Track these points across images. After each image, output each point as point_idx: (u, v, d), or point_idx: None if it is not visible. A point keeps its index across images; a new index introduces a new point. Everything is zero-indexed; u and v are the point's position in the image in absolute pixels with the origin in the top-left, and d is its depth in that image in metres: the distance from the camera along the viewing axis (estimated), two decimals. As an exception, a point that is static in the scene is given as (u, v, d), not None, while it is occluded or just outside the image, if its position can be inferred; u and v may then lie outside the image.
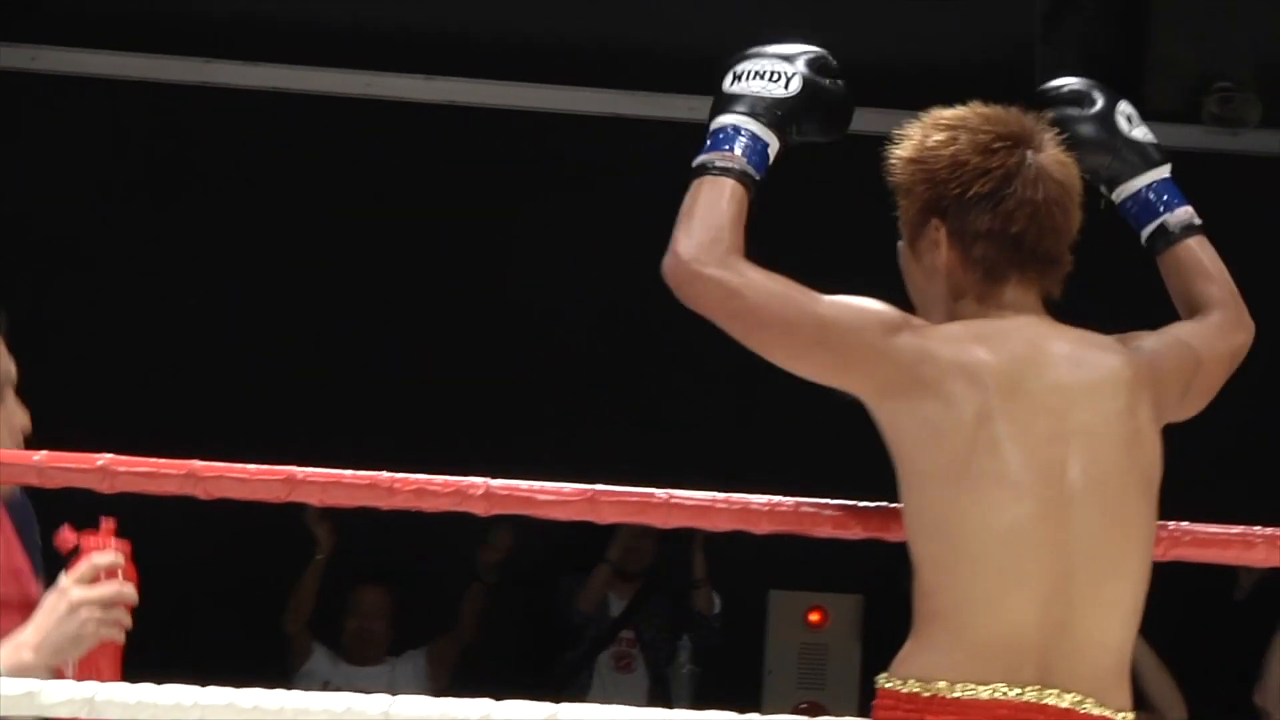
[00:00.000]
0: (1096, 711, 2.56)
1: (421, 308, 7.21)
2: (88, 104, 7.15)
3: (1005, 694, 2.52)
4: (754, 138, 2.58)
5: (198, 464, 2.77)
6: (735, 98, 2.61)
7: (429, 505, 2.87)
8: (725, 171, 2.55)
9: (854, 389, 2.58)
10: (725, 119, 2.59)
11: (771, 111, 2.58)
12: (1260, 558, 3.02)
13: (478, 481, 2.89)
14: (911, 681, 2.52)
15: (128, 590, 2.63)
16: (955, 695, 2.52)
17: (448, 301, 7.19)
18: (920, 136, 2.63)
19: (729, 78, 2.61)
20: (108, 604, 2.62)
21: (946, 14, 6.70)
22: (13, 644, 2.62)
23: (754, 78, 2.61)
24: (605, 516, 2.99)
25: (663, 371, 7.33)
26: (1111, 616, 2.61)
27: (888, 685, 2.57)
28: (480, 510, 2.89)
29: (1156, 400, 2.67)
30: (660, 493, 2.92)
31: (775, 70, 2.61)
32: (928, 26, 6.75)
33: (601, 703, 4.92)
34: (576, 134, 7.13)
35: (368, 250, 7.12)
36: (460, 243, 7.21)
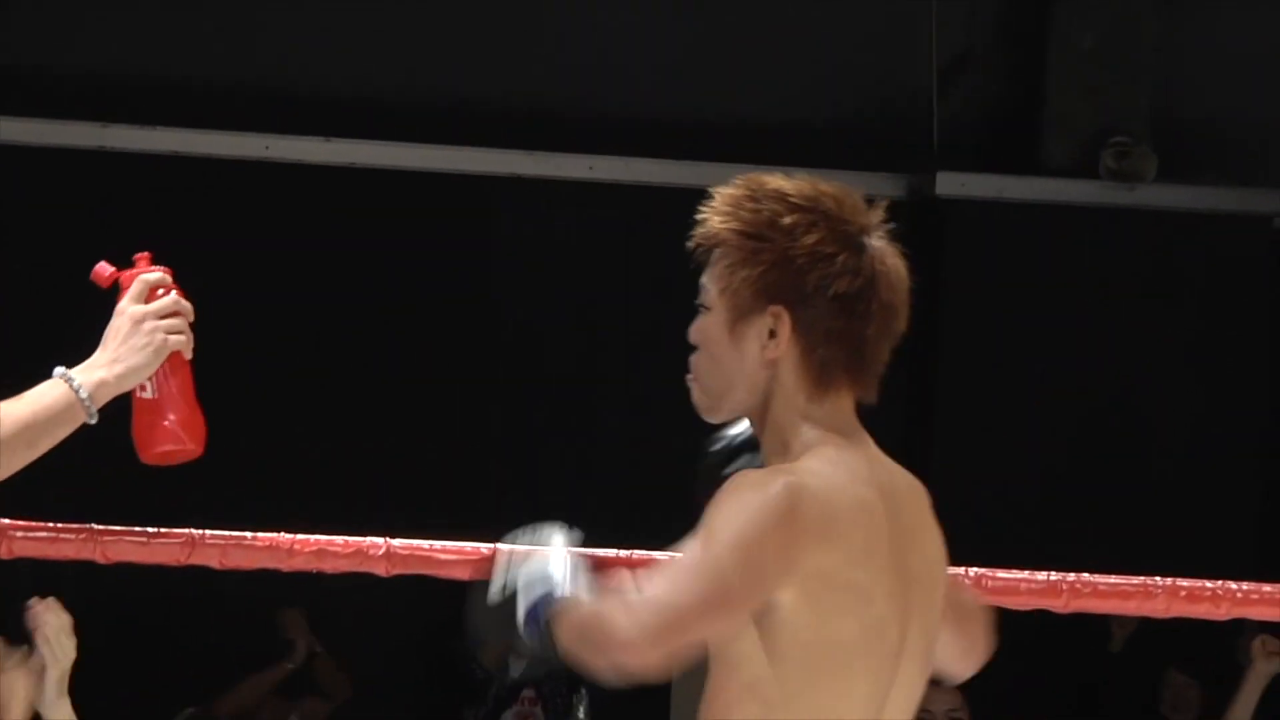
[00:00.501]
0: None
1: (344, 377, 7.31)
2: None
3: None
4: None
5: (97, 527, 2.76)
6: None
7: (329, 566, 2.88)
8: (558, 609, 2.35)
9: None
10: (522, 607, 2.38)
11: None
12: (1161, 608, 3.05)
13: (378, 541, 2.91)
14: None
15: (184, 302, 2.58)
16: None
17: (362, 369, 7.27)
18: (768, 212, 2.38)
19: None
20: (168, 313, 2.56)
21: (842, 69, 6.79)
22: (87, 366, 2.56)
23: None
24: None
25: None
26: None
27: None
28: (381, 570, 2.91)
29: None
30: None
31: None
32: (822, 82, 6.82)
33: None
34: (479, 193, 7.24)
35: (264, 314, 7.14)
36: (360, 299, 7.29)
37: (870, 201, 2.41)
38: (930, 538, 2.47)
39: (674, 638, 2.26)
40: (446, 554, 2.92)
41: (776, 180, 2.39)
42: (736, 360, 2.37)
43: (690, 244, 2.38)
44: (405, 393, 7.28)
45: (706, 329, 2.37)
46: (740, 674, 2.33)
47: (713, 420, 2.45)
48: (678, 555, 2.29)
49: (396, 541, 2.92)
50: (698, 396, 2.40)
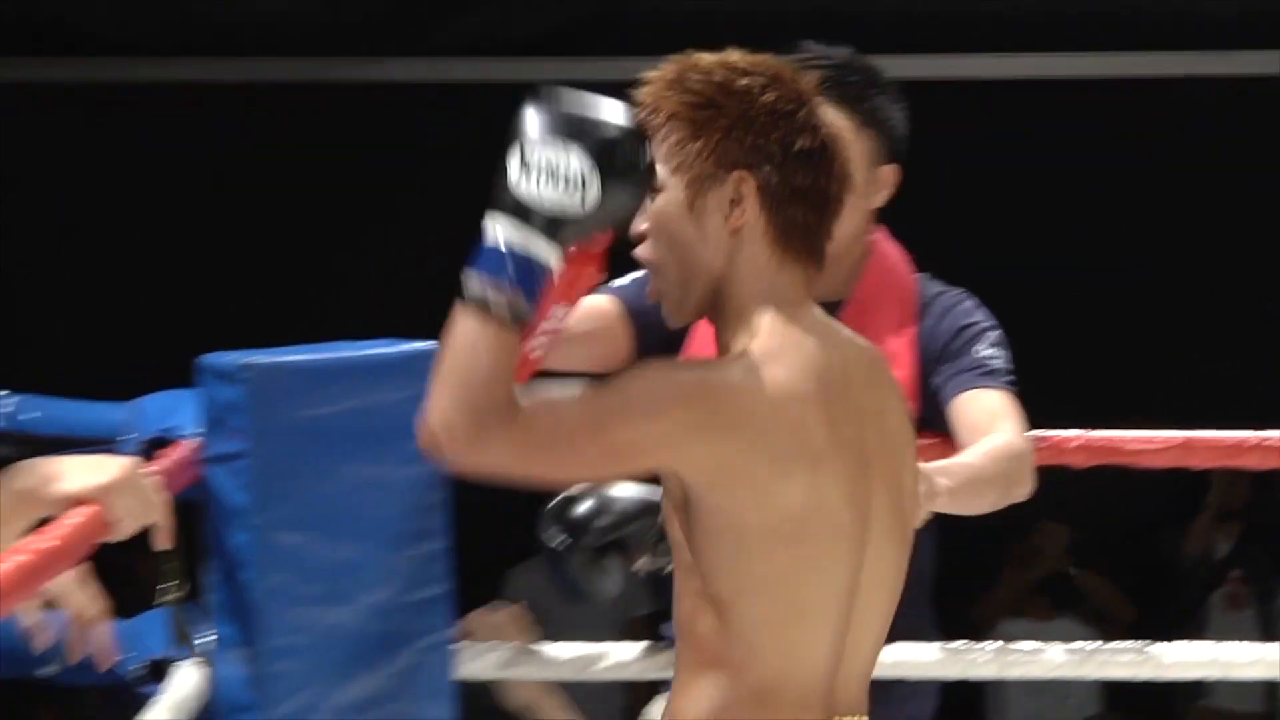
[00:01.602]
0: None
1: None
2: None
3: None
4: (537, 270, 2.22)
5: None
6: (524, 203, 2.20)
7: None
8: (500, 320, 2.20)
9: (661, 465, 2.34)
10: (512, 232, 2.20)
11: (560, 230, 2.21)
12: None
13: (1074, 434, 3.07)
14: None
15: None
16: None
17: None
18: (719, 78, 2.33)
19: (517, 164, 2.21)
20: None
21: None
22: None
23: (547, 178, 2.21)
24: (1198, 462, 3.15)
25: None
26: (874, 644, 2.53)
27: None
28: (1079, 462, 3.06)
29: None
30: (1252, 436, 3.08)
31: (572, 173, 2.20)
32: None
33: (1218, 640, 5.22)
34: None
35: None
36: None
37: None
38: (890, 410, 2.45)
39: (513, 469, 2.23)
40: (1137, 444, 3.07)
41: (709, 55, 2.33)
42: (699, 239, 2.31)
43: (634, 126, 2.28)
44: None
45: (662, 213, 2.31)
46: (692, 581, 2.34)
47: (679, 323, 2.40)
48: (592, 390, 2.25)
49: (1093, 433, 3.09)
50: (663, 294, 2.36)
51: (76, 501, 2.29)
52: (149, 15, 7.79)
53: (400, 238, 6.81)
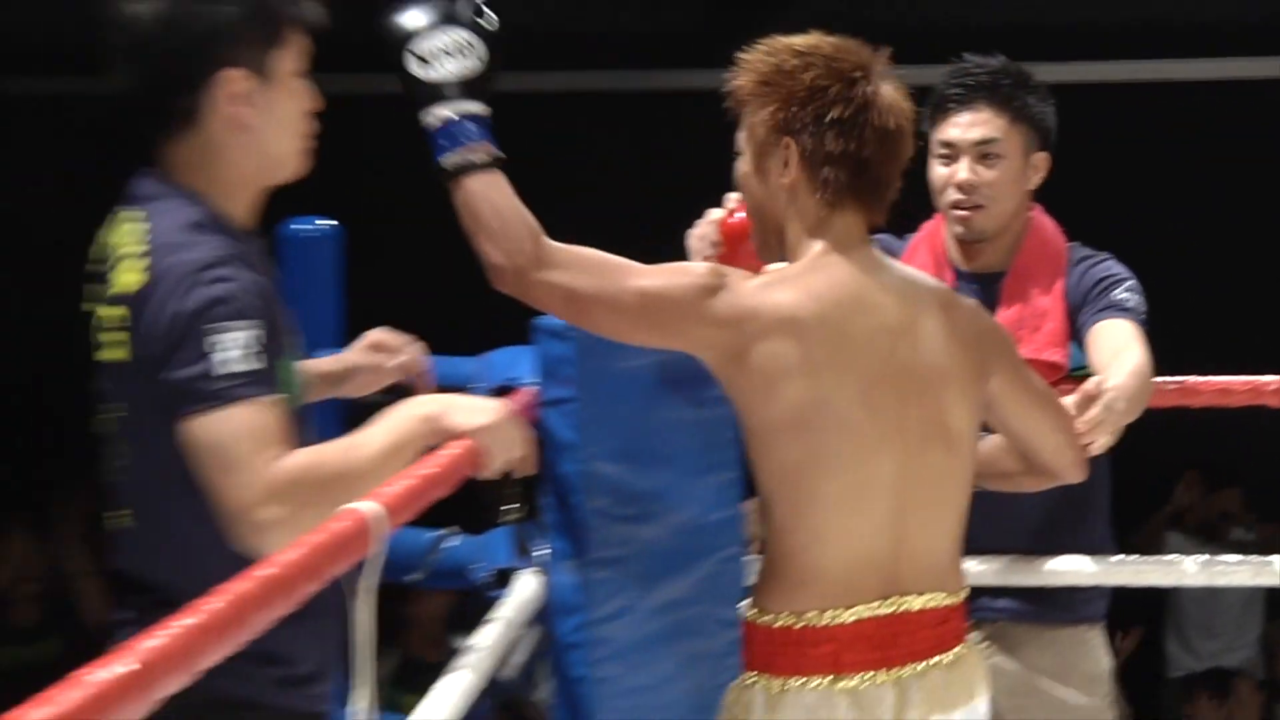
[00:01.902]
0: (946, 602, 2.73)
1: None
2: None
3: (867, 612, 2.67)
4: (482, 120, 2.60)
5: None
6: (442, 85, 2.62)
7: (1230, 402, 3.43)
8: (488, 166, 2.58)
9: (688, 351, 2.65)
10: (447, 109, 2.61)
11: (480, 88, 2.61)
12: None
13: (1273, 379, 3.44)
14: (783, 615, 2.67)
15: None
16: (824, 624, 2.67)
17: None
18: (776, 61, 2.66)
19: (414, 62, 2.63)
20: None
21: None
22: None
23: (444, 57, 2.62)
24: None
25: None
26: (941, 523, 2.75)
27: (758, 621, 2.70)
28: (1276, 403, 3.41)
29: (970, 340, 2.75)
30: None
31: (457, 43, 2.61)
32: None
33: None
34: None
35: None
36: None
37: (870, 50, 2.66)
38: (931, 331, 2.69)
39: (563, 303, 2.58)
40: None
41: (788, 37, 2.67)
42: (767, 201, 2.67)
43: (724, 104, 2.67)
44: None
45: (742, 174, 2.68)
46: (759, 490, 2.65)
47: (766, 261, 2.73)
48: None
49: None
50: (753, 237, 2.73)
51: (459, 436, 2.55)
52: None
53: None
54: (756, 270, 2.79)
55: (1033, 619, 3.53)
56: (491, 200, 2.55)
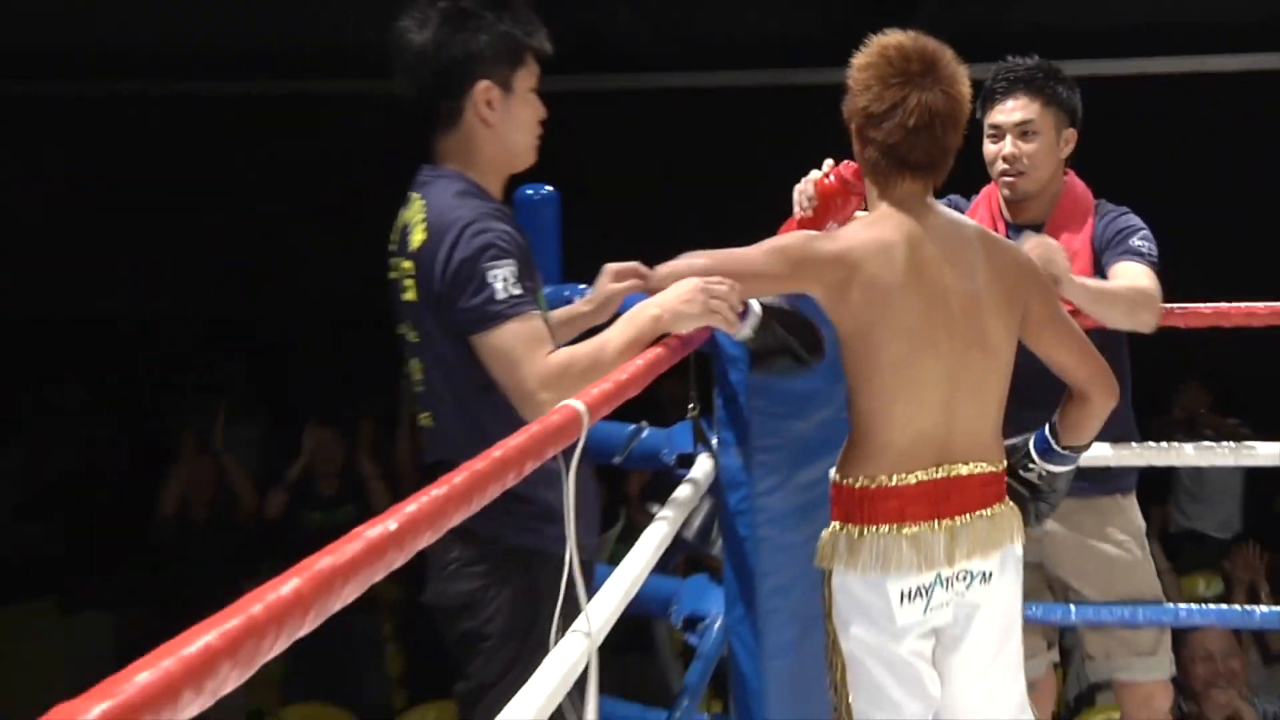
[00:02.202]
0: (988, 470, 3.07)
1: None
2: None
3: (925, 476, 3.02)
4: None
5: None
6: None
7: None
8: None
9: (803, 290, 3.02)
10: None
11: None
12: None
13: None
14: (861, 478, 3.03)
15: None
16: (892, 484, 3.02)
17: None
18: (856, 62, 3.02)
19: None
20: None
21: None
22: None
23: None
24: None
25: None
26: (982, 409, 3.07)
27: (843, 483, 3.06)
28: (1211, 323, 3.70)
29: (1010, 274, 3.10)
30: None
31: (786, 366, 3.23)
32: None
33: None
34: None
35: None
36: None
37: (933, 55, 2.98)
38: (973, 262, 3.04)
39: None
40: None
41: (881, 39, 3.03)
42: (860, 164, 3.11)
43: None
44: None
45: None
46: (848, 385, 3.04)
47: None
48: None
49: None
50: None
51: (677, 330, 3.02)
52: (678, 33, 8.66)
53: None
54: (842, 223, 3.26)
55: (1078, 493, 3.64)
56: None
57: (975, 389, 3.05)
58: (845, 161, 3.40)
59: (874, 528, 3.01)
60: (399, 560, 1.61)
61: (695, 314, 2.99)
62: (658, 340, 3.04)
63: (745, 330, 3.11)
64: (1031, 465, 3.25)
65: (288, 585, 1.36)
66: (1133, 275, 3.70)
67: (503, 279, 2.93)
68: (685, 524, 3.62)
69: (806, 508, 3.75)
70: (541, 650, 2.70)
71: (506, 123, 3.10)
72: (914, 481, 3.01)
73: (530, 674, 2.65)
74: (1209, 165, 8.73)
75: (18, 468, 8.18)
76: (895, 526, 3.01)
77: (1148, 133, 8.35)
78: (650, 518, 3.31)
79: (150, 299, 9.69)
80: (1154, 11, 8.51)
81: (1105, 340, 3.47)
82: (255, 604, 1.31)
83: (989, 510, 3.07)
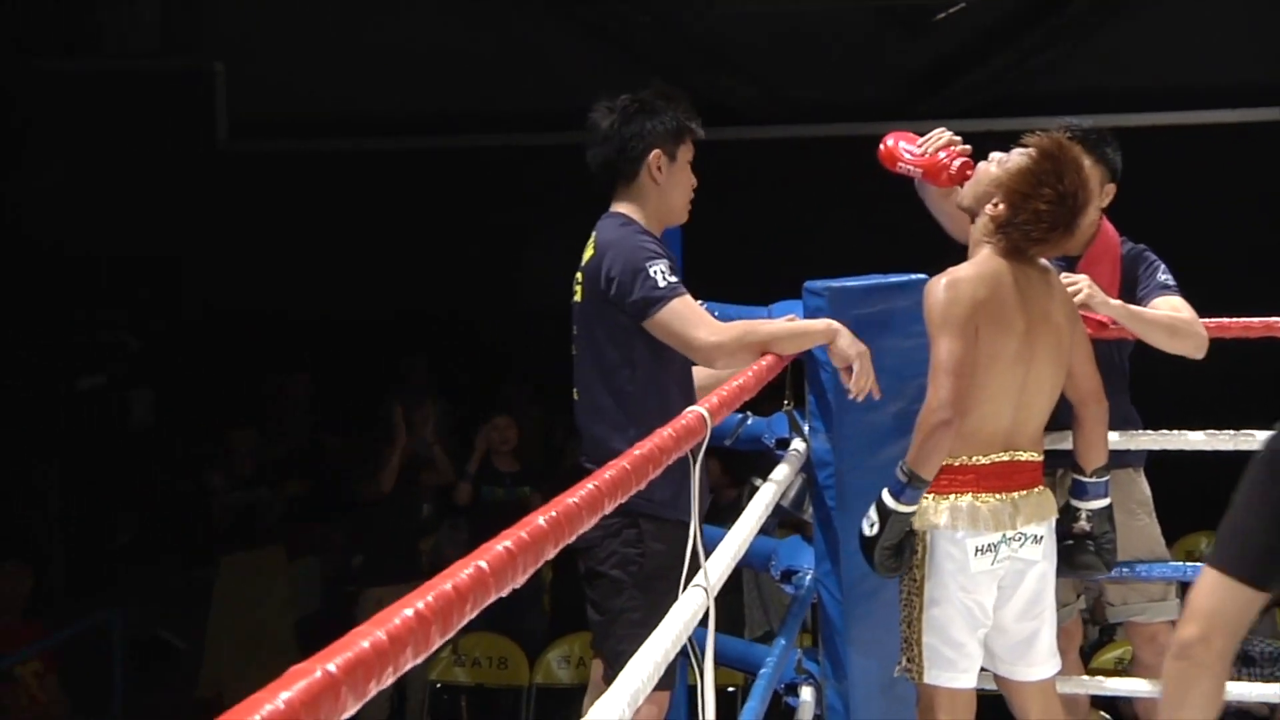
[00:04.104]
0: (1038, 459, 3.17)
1: None
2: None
3: (998, 458, 3.14)
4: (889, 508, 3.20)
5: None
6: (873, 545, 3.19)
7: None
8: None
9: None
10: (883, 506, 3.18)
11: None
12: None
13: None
14: (949, 459, 3.14)
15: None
16: (971, 464, 3.13)
17: None
18: (1037, 154, 3.10)
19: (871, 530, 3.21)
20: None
21: None
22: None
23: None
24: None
25: None
26: (1041, 412, 3.17)
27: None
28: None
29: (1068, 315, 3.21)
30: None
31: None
32: None
33: None
34: None
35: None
36: None
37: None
38: (1055, 304, 3.13)
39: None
40: None
41: (1043, 139, 3.15)
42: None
43: None
44: None
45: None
46: None
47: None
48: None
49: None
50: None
51: (836, 353, 3.28)
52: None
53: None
54: (938, 179, 3.40)
55: None
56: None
57: (1038, 396, 3.16)
58: (966, 161, 3.42)
59: (959, 495, 3.12)
60: (568, 538, 1.66)
61: (851, 354, 3.27)
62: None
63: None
64: (1078, 513, 3.29)
65: (473, 564, 1.38)
66: (1172, 306, 3.67)
67: (659, 271, 3.16)
68: (783, 495, 3.61)
69: (882, 483, 3.54)
70: (650, 592, 3.01)
71: (670, 183, 3.32)
72: (987, 462, 3.13)
73: (641, 610, 2.89)
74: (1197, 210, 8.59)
75: (252, 445, 8.31)
76: (974, 495, 3.12)
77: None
78: (755, 489, 3.36)
79: (359, 301, 9.72)
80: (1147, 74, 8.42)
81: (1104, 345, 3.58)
82: (450, 578, 1.33)
83: (1039, 489, 3.20)
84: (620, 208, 3.31)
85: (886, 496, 3.14)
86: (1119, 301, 3.59)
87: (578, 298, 3.30)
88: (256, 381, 9.23)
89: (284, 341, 9.46)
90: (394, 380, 9.06)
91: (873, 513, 3.16)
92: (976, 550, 3.11)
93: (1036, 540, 3.16)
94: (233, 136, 9.81)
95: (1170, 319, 3.62)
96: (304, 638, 7.77)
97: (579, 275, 3.30)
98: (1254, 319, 3.81)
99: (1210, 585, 2.05)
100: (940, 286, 3.09)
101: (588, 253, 3.27)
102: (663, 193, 3.30)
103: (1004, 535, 3.11)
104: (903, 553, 3.15)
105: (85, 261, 9.54)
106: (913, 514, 3.10)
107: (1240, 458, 2.21)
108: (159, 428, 9.38)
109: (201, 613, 7.85)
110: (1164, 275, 3.76)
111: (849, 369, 3.36)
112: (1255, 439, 3.69)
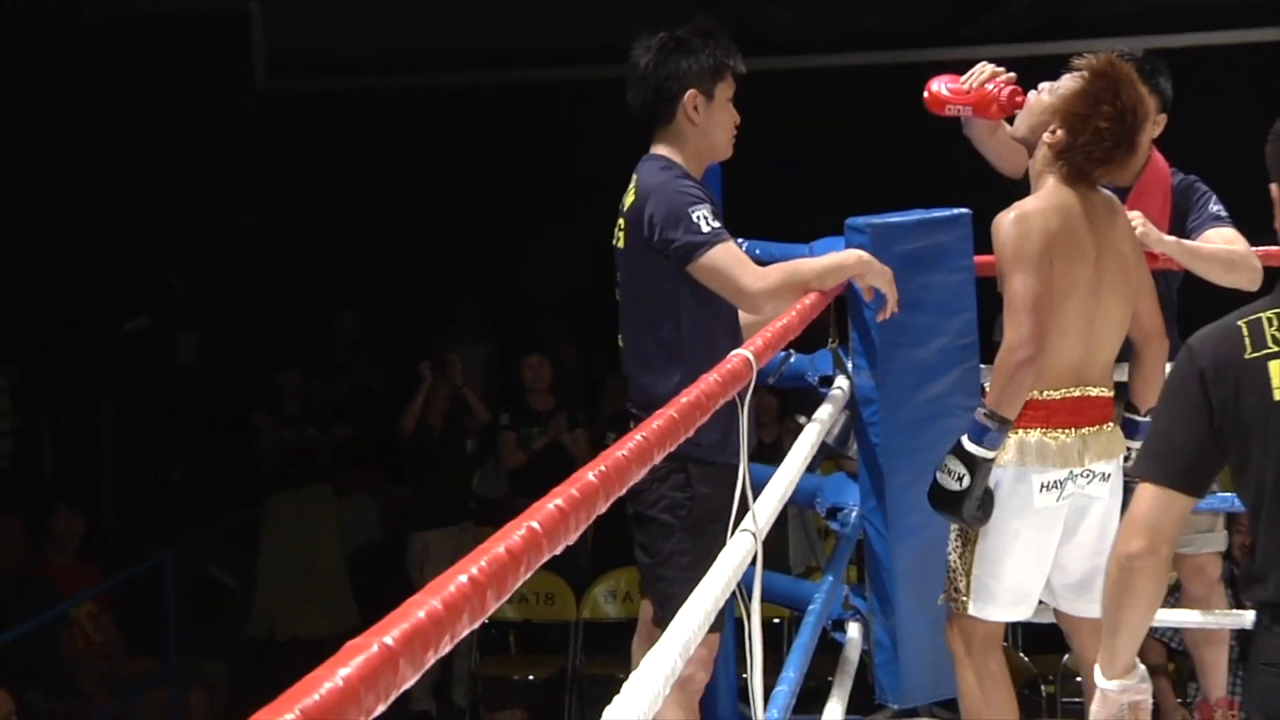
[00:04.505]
0: (1108, 394, 3.12)
1: None
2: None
3: (1069, 393, 3.08)
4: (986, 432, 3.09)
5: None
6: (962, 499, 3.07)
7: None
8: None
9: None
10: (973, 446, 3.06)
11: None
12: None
13: None
14: None
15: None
16: (1044, 399, 3.07)
17: None
18: (1093, 74, 3.03)
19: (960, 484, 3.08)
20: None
21: None
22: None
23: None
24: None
25: None
26: (1111, 348, 3.12)
27: None
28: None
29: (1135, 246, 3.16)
30: None
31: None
32: None
33: None
34: None
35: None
36: None
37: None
38: (1118, 232, 3.07)
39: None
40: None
41: (1098, 60, 3.06)
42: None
43: None
44: None
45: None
46: None
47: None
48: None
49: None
50: None
51: (868, 281, 3.31)
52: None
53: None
54: (989, 112, 3.36)
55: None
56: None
57: (1108, 331, 3.11)
58: (1015, 89, 3.37)
59: (1027, 431, 3.06)
60: (618, 492, 1.65)
61: (881, 282, 3.31)
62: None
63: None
64: (1128, 453, 3.20)
65: (525, 525, 1.38)
66: (1225, 239, 3.66)
67: (702, 216, 3.13)
68: (828, 432, 3.62)
69: (927, 419, 3.75)
70: (699, 535, 3.01)
71: (709, 123, 3.27)
72: (1059, 397, 3.07)
73: (691, 553, 2.85)
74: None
75: (298, 386, 8.36)
76: (1043, 430, 3.06)
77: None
78: (800, 427, 3.34)
79: (406, 241, 9.71)
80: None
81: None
82: (503, 540, 1.32)
83: (1109, 425, 3.14)
84: (660, 149, 3.28)
85: (969, 444, 3.03)
86: (1174, 238, 3.56)
87: (620, 243, 3.27)
88: (304, 323, 9.27)
89: (331, 282, 9.48)
90: (443, 320, 9.08)
91: (955, 464, 3.04)
92: (1042, 486, 3.06)
93: (1105, 478, 3.12)
94: (269, 76, 9.79)
95: (1226, 253, 3.60)
96: (356, 572, 7.85)
97: (621, 220, 3.26)
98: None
99: (1147, 500, 2.22)
100: (1009, 221, 3.03)
101: (629, 197, 3.23)
102: (701, 133, 3.26)
103: (1071, 472, 3.07)
104: (988, 499, 3.10)
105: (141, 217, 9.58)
106: (995, 458, 3.03)
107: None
108: (205, 370, 9.44)
109: (252, 552, 7.93)
110: (1215, 206, 3.72)
111: (878, 298, 3.41)
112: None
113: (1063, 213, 3.05)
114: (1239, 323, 2.24)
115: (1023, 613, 3.21)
